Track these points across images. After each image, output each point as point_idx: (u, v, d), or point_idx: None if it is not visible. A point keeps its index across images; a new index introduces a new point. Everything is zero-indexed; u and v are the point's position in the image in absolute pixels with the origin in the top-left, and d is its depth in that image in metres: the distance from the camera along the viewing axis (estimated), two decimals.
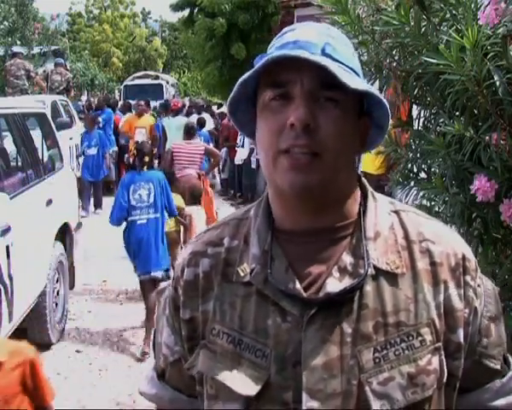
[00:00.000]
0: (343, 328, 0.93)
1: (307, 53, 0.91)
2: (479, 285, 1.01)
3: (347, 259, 0.96)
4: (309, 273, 0.96)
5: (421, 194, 1.90)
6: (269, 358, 0.95)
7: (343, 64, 0.94)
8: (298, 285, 0.95)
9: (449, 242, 1.01)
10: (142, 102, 11.52)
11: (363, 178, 1.04)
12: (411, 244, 0.99)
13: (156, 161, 7.57)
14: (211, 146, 8.29)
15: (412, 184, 1.97)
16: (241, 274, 0.99)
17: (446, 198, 1.76)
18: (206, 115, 12.31)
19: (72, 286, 5.51)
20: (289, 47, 0.93)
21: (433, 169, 1.92)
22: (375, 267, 0.95)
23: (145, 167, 4.94)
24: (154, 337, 1.14)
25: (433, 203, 1.84)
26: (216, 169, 9.72)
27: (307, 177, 0.92)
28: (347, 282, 0.94)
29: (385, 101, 0.96)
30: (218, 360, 0.98)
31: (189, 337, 1.04)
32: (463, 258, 1.00)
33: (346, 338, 0.93)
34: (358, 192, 1.03)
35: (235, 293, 0.99)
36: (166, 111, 11.15)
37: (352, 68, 0.96)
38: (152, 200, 4.85)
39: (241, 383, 0.95)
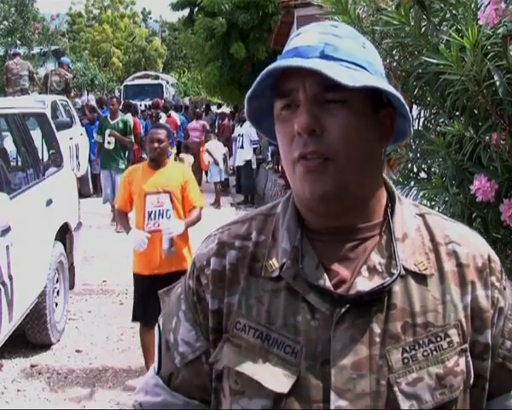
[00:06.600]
0: (372, 328, 0.93)
1: (300, 60, 0.91)
2: (504, 287, 1.01)
3: (376, 259, 0.96)
4: (337, 272, 0.96)
5: (421, 194, 1.90)
6: (299, 355, 0.93)
7: (346, 61, 0.93)
8: (328, 283, 0.94)
9: (474, 243, 1.02)
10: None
11: (388, 180, 1.04)
12: (438, 246, 0.99)
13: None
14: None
15: (412, 184, 1.97)
16: (270, 269, 0.99)
17: (446, 198, 1.76)
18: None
19: (72, 286, 5.50)
20: (288, 55, 0.94)
21: (433, 169, 1.92)
22: (403, 268, 0.95)
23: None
24: (160, 341, 1.08)
25: (433, 203, 1.84)
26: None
27: (323, 182, 0.92)
28: (377, 281, 0.94)
29: (393, 90, 0.95)
30: (244, 355, 0.96)
31: (213, 329, 1.01)
32: (489, 259, 1.00)
33: (375, 338, 0.92)
34: (384, 193, 1.02)
35: (263, 288, 0.98)
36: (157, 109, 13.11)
37: (357, 63, 0.94)
38: None
39: (272, 379, 0.93)
